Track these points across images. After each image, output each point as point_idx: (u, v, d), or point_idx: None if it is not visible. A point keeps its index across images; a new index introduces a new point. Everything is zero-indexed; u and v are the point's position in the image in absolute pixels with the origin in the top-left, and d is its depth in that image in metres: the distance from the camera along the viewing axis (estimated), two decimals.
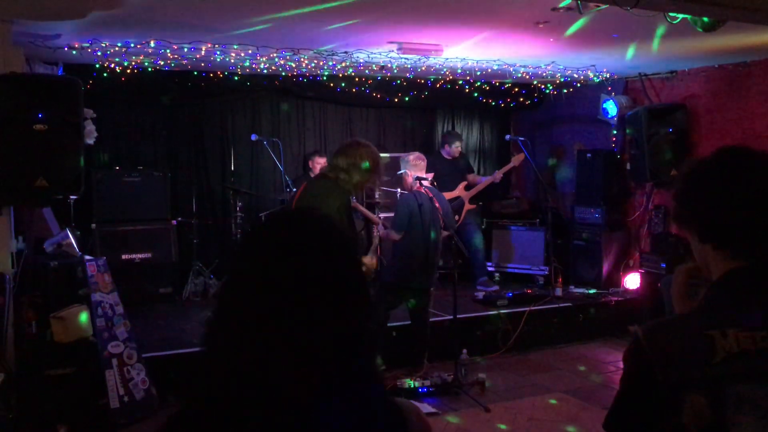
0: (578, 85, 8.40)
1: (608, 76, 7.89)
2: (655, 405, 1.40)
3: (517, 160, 8.35)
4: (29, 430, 4.57)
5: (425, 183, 5.96)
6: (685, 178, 1.56)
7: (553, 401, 5.53)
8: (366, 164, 4.42)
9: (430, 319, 6.45)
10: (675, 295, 1.65)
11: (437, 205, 5.76)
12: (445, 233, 5.98)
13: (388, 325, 6.01)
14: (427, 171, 8.03)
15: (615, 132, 8.12)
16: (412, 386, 5.52)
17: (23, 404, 4.59)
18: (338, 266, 1.20)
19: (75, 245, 5.38)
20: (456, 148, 8.09)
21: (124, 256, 7.11)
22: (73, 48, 5.66)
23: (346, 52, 6.16)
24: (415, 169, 6.00)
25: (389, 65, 6.83)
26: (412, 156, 6.14)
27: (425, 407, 5.32)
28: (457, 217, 7.98)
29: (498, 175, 8.16)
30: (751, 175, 1.48)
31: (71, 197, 6.10)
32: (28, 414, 4.60)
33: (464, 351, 5.93)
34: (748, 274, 1.45)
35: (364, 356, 1.21)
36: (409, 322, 6.08)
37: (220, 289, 1.25)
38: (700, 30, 3.66)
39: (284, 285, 1.15)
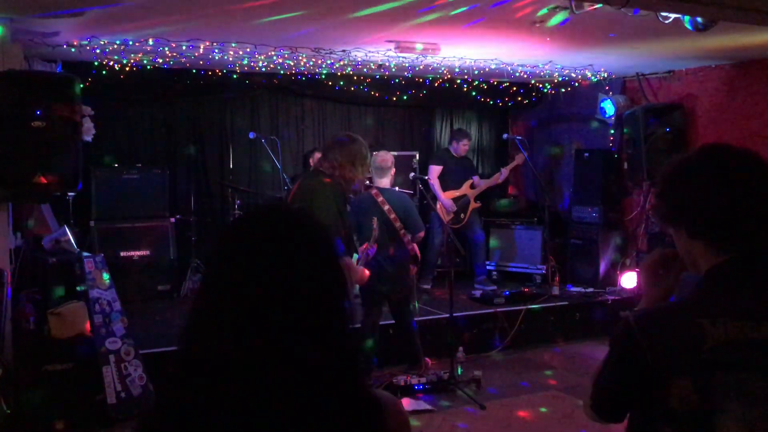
0: (576, 84, 8.42)
1: (606, 75, 7.92)
2: (644, 388, 1.45)
3: (519, 158, 8.38)
4: (27, 425, 4.59)
5: (379, 184, 5.79)
6: (670, 176, 1.59)
7: (548, 399, 5.55)
8: (358, 159, 4.43)
9: (430, 317, 6.50)
10: (644, 268, 1.70)
11: (385, 207, 5.60)
12: (418, 235, 5.79)
13: (384, 323, 6.03)
14: (435, 163, 8.10)
15: (612, 131, 8.14)
16: (408, 383, 5.54)
17: (21, 400, 4.61)
18: (312, 261, 1.21)
19: (73, 242, 5.41)
20: (463, 145, 8.12)
21: (122, 253, 7.13)
22: (72, 45, 5.68)
23: (343, 51, 6.18)
24: (374, 170, 5.91)
25: (387, 64, 6.85)
26: (378, 156, 5.98)
27: (421, 404, 5.35)
28: (462, 216, 8.02)
29: (504, 174, 8.25)
30: (737, 171, 1.52)
31: (69, 194, 6.17)
32: (26, 409, 4.62)
33: (460, 349, 5.95)
34: (737, 265, 1.50)
35: (342, 348, 1.22)
36: None
37: (197, 289, 1.27)
38: (691, 29, 3.68)
39: (257, 283, 1.16)
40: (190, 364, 1.20)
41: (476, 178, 8.26)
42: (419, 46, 5.82)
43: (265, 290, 1.16)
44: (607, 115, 7.93)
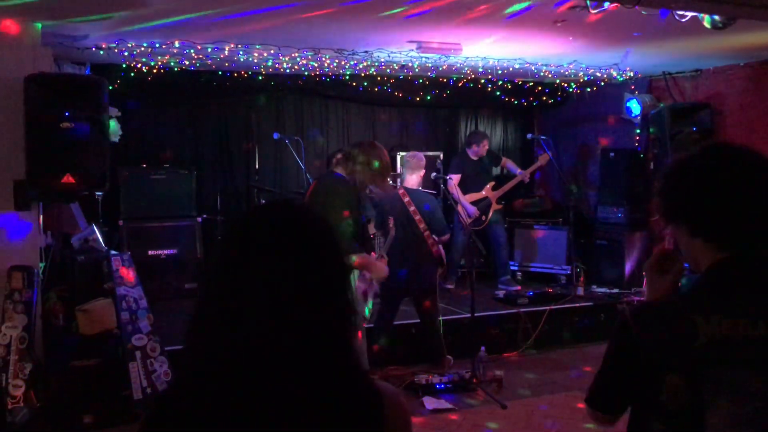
0: (602, 83, 8.36)
1: (632, 74, 7.85)
2: (637, 382, 1.46)
3: (543, 159, 8.32)
4: (56, 419, 4.72)
5: (407, 183, 5.90)
6: (672, 175, 1.60)
7: (570, 399, 5.53)
8: (377, 165, 4.49)
9: (452, 317, 6.52)
10: (646, 268, 1.73)
11: (411, 208, 5.67)
12: (443, 237, 5.84)
13: (407, 322, 6.06)
14: (454, 172, 8.10)
15: (639, 131, 8.06)
16: (430, 382, 5.56)
17: (50, 394, 4.73)
18: (314, 254, 1.24)
19: (101, 240, 5.53)
20: (483, 146, 8.10)
21: (150, 252, 7.26)
22: (101, 48, 5.80)
23: (366, 52, 6.23)
24: (407, 168, 6.02)
25: (410, 64, 6.88)
26: (408, 155, 6.18)
27: (442, 403, 5.36)
28: (483, 217, 8.01)
29: (526, 175, 8.18)
30: (736, 171, 1.53)
31: (98, 194, 6.31)
32: (55, 403, 4.75)
33: (482, 348, 5.94)
34: (735, 263, 1.51)
35: (342, 339, 1.25)
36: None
37: (200, 285, 1.30)
38: (710, 27, 3.65)
39: (258, 275, 1.20)
40: (194, 354, 1.24)
41: (505, 160, 8.28)
42: (440, 47, 5.84)
43: (266, 283, 1.19)
44: (633, 115, 7.86)
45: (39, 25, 4.80)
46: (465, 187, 8.00)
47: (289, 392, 1.18)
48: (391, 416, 1.28)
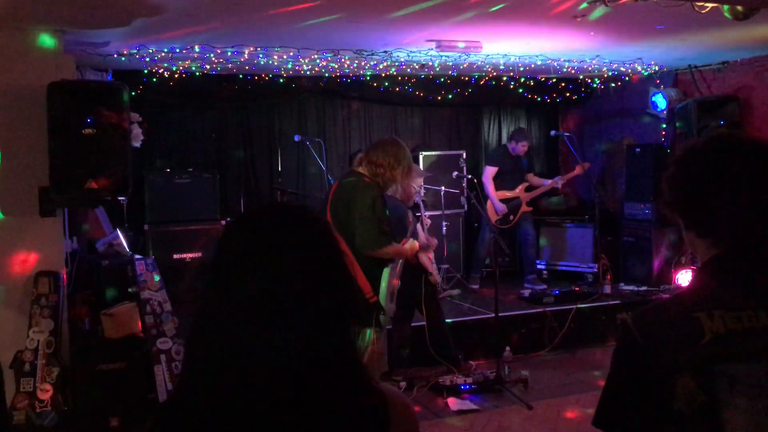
0: (626, 78, 8.24)
1: (657, 68, 7.72)
2: (649, 393, 1.39)
3: (580, 168, 8.13)
4: (83, 421, 4.77)
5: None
6: (674, 165, 1.56)
7: (597, 400, 5.44)
8: (401, 163, 4.32)
9: (477, 317, 6.47)
10: None
11: None
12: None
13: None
14: (491, 164, 8.01)
15: (665, 126, 7.93)
16: (454, 383, 5.52)
17: (78, 397, 4.79)
18: (311, 256, 1.22)
19: (125, 245, 5.59)
20: (522, 146, 8.01)
21: (175, 256, 7.31)
22: (122, 55, 5.86)
23: (385, 51, 6.21)
24: None
25: (430, 63, 6.85)
26: None
27: (466, 404, 5.32)
28: (511, 217, 7.94)
29: (560, 182, 8.08)
30: (733, 165, 1.47)
31: (123, 198, 6.36)
32: (83, 406, 4.80)
33: (507, 348, 5.90)
34: (730, 258, 1.46)
35: (344, 342, 1.23)
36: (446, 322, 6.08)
37: (201, 293, 1.25)
38: (730, 17, 3.55)
39: (254, 278, 1.18)
40: (194, 360, 1.23)
41: (531, 176, 8.14)
42: (461, 44, 5.79)
43: (262, 287, 1.17)
44: (658, 110, 7.74)
45: (61, 33, 4.85)
46: (499, 183, 7.94)
47: (290, 398, 1.16)
48: (398, 420, 1.25)
